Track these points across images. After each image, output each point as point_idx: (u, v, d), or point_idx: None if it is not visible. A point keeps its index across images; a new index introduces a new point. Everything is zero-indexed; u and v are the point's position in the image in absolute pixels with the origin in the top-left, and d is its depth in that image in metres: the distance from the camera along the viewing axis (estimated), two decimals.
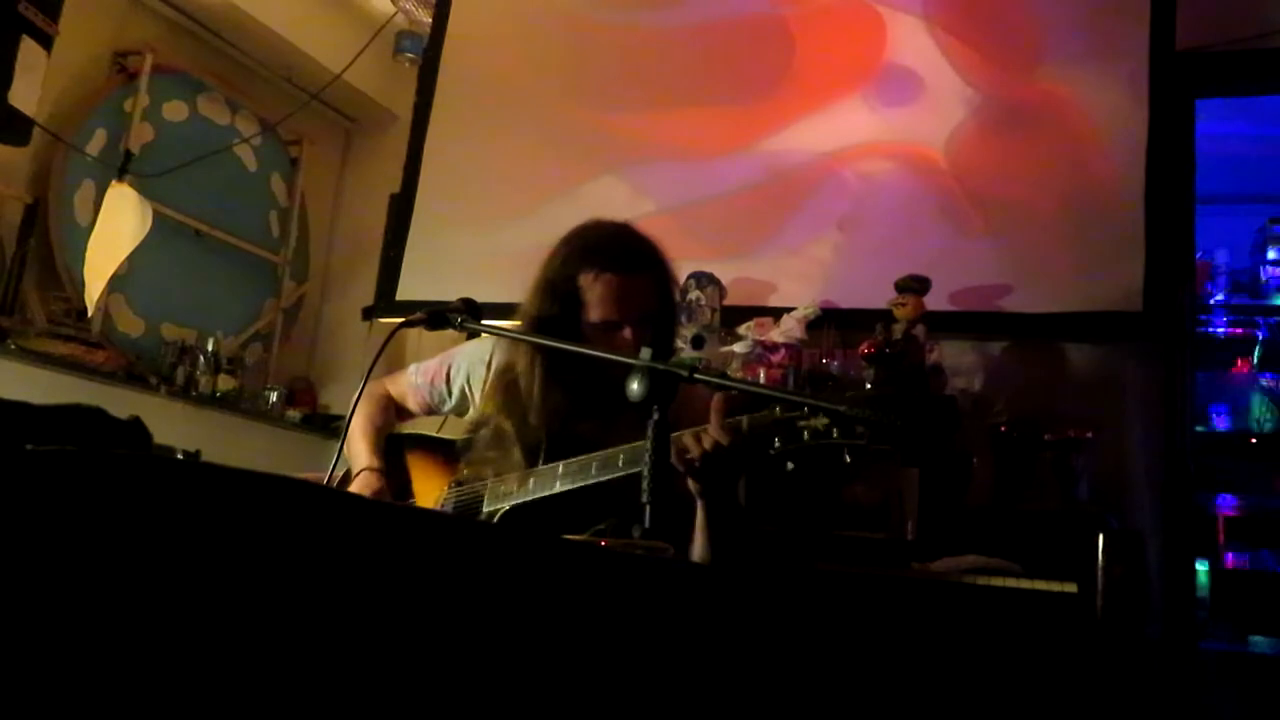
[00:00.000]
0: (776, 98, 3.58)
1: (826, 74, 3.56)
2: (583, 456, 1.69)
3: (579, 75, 3.91)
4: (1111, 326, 3.01)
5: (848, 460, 1.46)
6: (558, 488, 1.71)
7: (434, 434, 2.06)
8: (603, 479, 1.64)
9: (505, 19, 4.14)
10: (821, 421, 1.46)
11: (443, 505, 1.91)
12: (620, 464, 1.61)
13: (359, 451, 1.99)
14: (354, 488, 1.93)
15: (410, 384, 2.08)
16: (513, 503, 1.77)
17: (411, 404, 2.09)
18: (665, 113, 3.72)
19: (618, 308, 1.79)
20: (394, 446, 2.05)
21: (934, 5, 3.47)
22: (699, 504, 1.65)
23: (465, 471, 1.90)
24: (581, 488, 1.69)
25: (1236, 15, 3.18)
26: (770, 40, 3.65)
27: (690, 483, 1.60)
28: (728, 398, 1.59)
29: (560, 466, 1.72)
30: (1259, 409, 3.97)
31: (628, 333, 1.80)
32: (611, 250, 1.83)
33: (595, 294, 1.80)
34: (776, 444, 1.50)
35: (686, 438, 1.56)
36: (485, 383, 1.98)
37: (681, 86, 3.73)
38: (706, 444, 1.55)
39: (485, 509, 1.81)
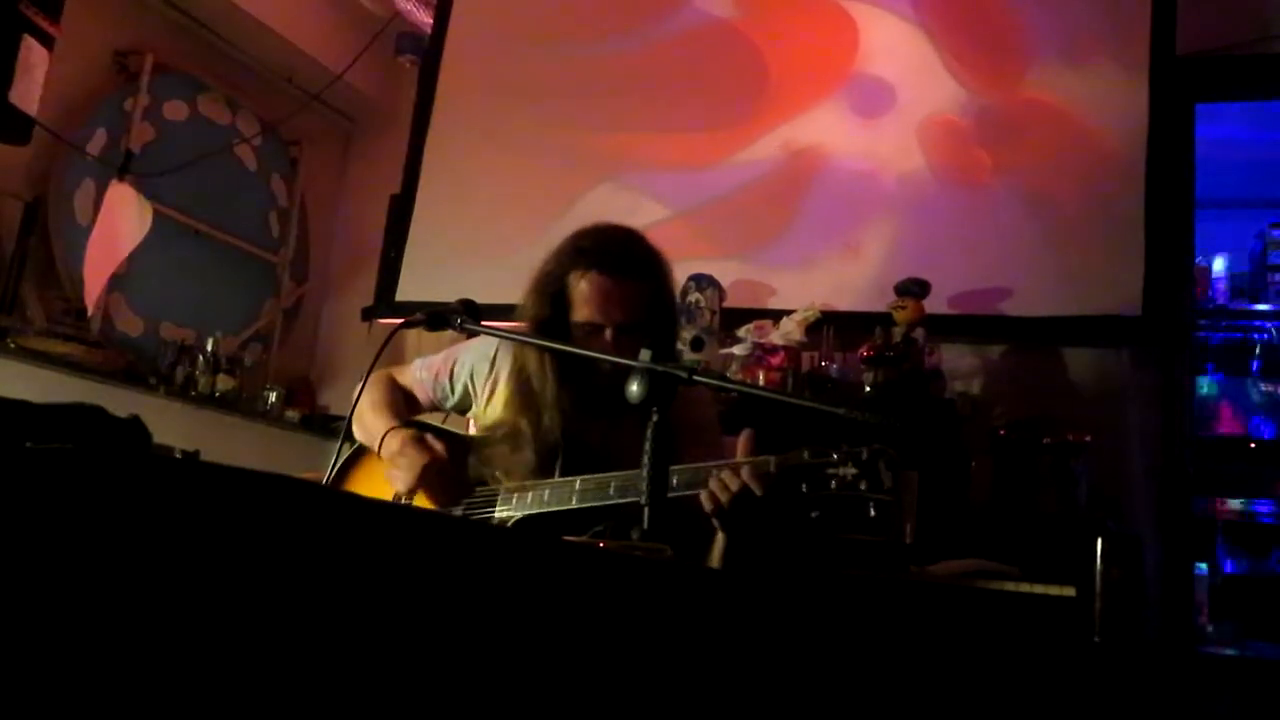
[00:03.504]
0: (769, 103, 3.58)
1: (823, 77, 3.56)
2: (600, 475, 1.67)
3: (570, 92, 3.92)
4: (1111, 330, 3.01)
5: (872, 515, 1.45)
6: (574, 504, 1.70)
7: (441, 425, 2.05)
8: (620, 502, 1.63)
9: (505, 20, 4.14)
10: (850, 471, 1.45)
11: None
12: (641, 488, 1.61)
13: (377, 421, 1.92)
14: (386, 444, 1.87)
15: (415, 378, 2.07)
16: (526, 512, 1.76)
17: (419, 397, 2.08)
18: (664, 122, 3.73)
19: (600, 309, 1.78)
20: None
21: (929, 10, 3.47)
22: (719, 533, 1.64)
23: (474, 466, 1.88)
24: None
25: (1236, 20, 3.19)
26: (760, 49, 3.66)
27: (715, 522, 1.59)
28: (753, 437, 1.58)
29: (577, 483, 1.71)
30: (1256, 413, 3.97)
31: (608, 335, 1.79)
32: (602, 252, 1.81)
33: (580, 294, 1.79)
34: (803, 489, 1.49)
35: (713, 481, 1.55)
36: (488, 379, 1.97)
37: (675, 99, 3.74)
38: (734, 487, 1.53)
39: (498, 514, 1.80)
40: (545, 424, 1.81)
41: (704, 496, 1.54)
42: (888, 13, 3.51)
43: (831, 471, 1.47)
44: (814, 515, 1.48)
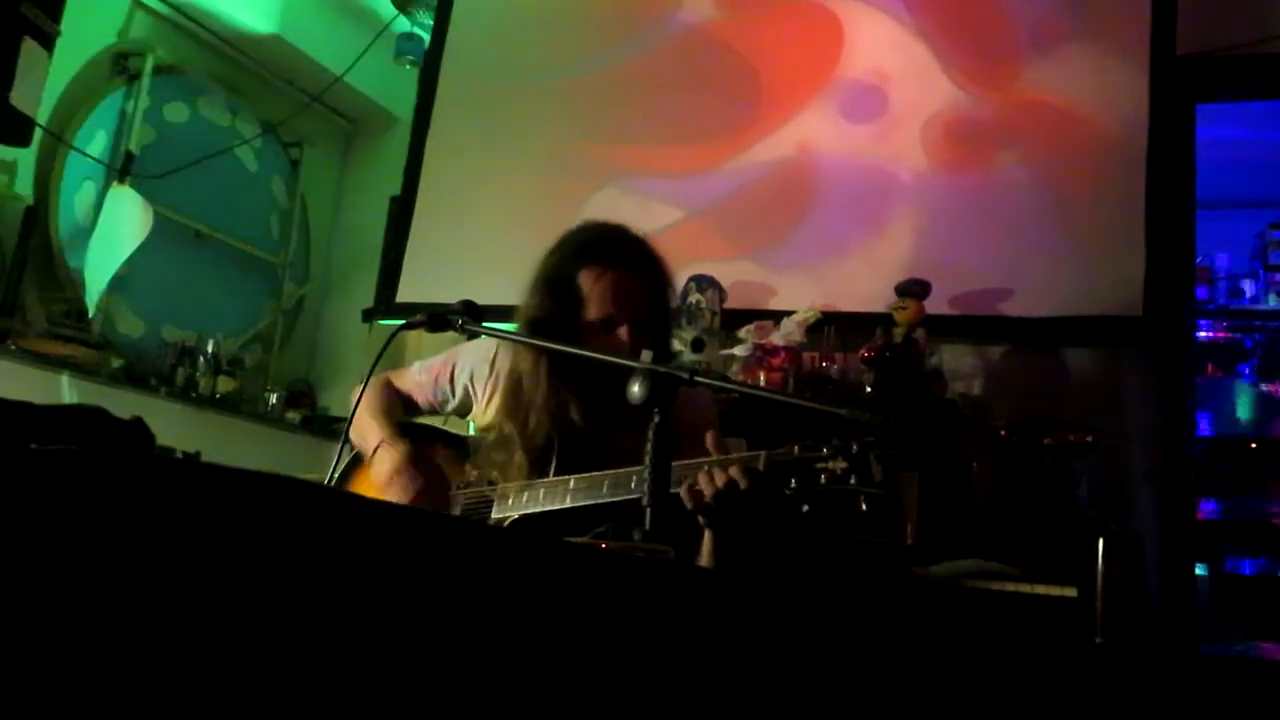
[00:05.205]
0: (770, 106, 3.58)
1: (821, 80, 3.56)
2: (594, 474, 1.68)
3: (568, 95, 3.92)
4: (1111, 330, 3.01)
5: (864, 509, 1.44)
6: (568, 503, 1.70)
7: (442, 426, 2.05)
8: (613, 499, 1.63)
9: (506, 23, 4.14)
10: (840, 465, 1.44)
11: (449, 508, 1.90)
12: (632, 485, 1.60)
13: (370, 430, 1.94)
14: (378, 463, 1.88)
15: (414, 381, 2.07)
16: (522, 512, 1.76)
17: (417, 401, 2.08)
18: (666, 123, 3.73)
19: (618, 305, 1.79)
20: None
21: (925, 12, 3.47)
22: (706, 532, 1.63)
23: (472, 473, 1.89)
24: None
25: (1236, 20, 3.18)
26: (760, 53, 3.66)
27: (699, 518, 1.58)
28: (719, 436, 1.58)
29: (572, 481, 1.71)
30: (1258, 413, 3.97)
31: (624, 331, 1.79)
32: (612, 248, 1.84)
33: (597, 291, 1.80)
34: (793, 484, 1.48)
35: (700, 477, 1.54)
36: (488, 381, 1.97)
37: (677, 101, 3.74)
38: (719, 482, 1.52)
39: (494, 515, 1.80)
40: (531, 427, 1.80)
41: (685, 492, 1.53)
42: (883, 13, 3.51)
43: (821, 466, 1.45)
44: (805, 509, 1.47)
